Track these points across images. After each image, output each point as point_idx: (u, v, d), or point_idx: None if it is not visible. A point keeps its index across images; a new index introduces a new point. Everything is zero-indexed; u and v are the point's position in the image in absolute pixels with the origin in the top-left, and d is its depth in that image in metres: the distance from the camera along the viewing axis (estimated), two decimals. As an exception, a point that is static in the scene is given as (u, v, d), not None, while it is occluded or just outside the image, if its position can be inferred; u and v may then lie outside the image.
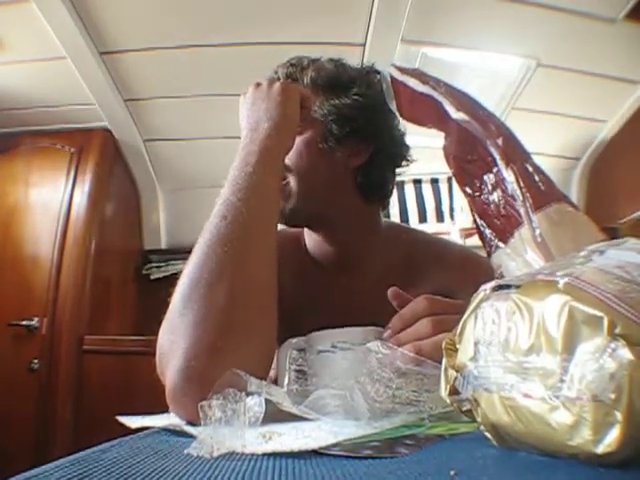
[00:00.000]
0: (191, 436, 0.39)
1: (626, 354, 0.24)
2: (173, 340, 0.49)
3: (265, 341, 0.54)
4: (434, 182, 3.18)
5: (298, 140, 0.75)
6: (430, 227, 3.04)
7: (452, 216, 3.14)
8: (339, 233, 0.84)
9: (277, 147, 0.66)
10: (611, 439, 0.24)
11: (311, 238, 0.88)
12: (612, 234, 0.48)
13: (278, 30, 2.20)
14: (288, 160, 0.73)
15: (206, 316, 0.49)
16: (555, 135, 2.86)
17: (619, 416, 0.24)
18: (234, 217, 0.56)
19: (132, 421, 0.45)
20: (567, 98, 2.63)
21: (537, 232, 0.49)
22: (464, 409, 0.36)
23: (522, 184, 0.51)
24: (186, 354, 0.47)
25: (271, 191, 0.64)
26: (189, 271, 0.53)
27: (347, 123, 0.79)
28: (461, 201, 3.05)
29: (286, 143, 0.69)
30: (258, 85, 0.74)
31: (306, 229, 0.88)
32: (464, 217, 3.04)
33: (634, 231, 2.50)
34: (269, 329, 0.54)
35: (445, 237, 2.60)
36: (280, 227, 0.92)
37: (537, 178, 0.52)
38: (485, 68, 2.45)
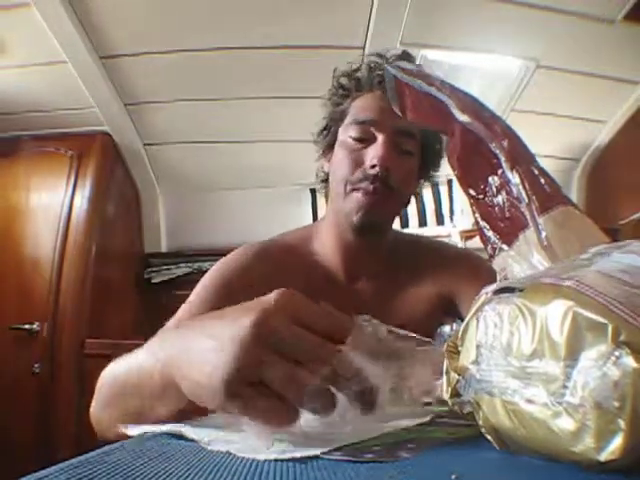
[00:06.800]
0: (193, 440, 0.39)
1: (630, 362, 0.24)
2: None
3: None
4: (434, 185, 3.17)
5: (412, 164, 0.84)
6: (430, 230, 3.03)
7: (452, 219, 3.13)
8: (381, 239, 0.89)
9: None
10: (614, 447, 0.24)
11: (341, 245, 0.87)
12: (613, 235, 0.47)
13: (278, 33, 2.20)
14: (398, 174, 0.80)
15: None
16: (555, 136, 2.86)
17: (622, 424, 0.24)
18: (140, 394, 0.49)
19: (132, 429, 0.45)
20: (566, 99, 2.63)
21: (543, 235, 0.48)
22: (465, 412, 0.36)
23: (527, 186, 0.51)
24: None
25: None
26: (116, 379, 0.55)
27: (438, 158, 0.89)
28: (461, 203, 3.05)
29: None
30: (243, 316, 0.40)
31: (353, 236, 0.86)
32: (464, 219, 3.04)
33: (635, 232, 2.49)
34: None
35: (445, 240, 2.61)
36: (286, 235, 0.93)
37: (543, 181, 0.52)
38: (484, 70, 2.45)
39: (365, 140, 0.82)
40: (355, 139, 0.83)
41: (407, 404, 0.45)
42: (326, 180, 0.94)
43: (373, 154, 0.80)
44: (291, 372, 0.36)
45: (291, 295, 0.39)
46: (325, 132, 0.91)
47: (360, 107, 0.85)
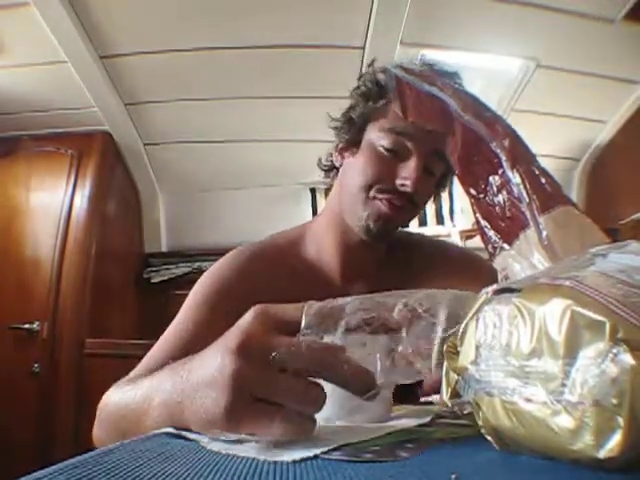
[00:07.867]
0: (192, 440, 0.39)
1: (628, 359, 0.24)
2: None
3: None
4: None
5: (433, 184, 0.86)
6: (430, 230, 3.03)
7: (452, 218, 3.13)
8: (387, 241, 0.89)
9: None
10: (613, 444, 0.24)
11: (339, 245, 0.88)
12: (612, 235, 0.47)
13: (277, 33, 2.21)
14: (422, 193, 0.82)
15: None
16: (555, 136, 2.86)
17: (621, 421, 0.24)
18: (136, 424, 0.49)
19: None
20: (566, 99, 2.64)
21: (544, 234, 0.48)
22: (465, 412, 0.36)
23: (528, 186, 0.51)
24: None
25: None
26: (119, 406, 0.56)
27: (451, 180, 0.91)
28: (461, 203, 3.05)
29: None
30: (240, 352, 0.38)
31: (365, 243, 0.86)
32: (464, 219, 3.04)
33: (634, 232, 2.49)
34: None
35: (445, 239, 2.61)
36: (279, 235, 0.92)
37: (543, 180, 0.52)
38: (484, 70, 2.45)
39: (396, 152, 0.80)
40: (387, 149, 0.80)
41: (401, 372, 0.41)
42: (329, 170, 0.92)
43: (406, 174, 0.78)
44: (294, 384, 0.37)
45: (264, 309, 0.40)
46: (347, 126, 0.86)
47: (399, 115, 0.79)
